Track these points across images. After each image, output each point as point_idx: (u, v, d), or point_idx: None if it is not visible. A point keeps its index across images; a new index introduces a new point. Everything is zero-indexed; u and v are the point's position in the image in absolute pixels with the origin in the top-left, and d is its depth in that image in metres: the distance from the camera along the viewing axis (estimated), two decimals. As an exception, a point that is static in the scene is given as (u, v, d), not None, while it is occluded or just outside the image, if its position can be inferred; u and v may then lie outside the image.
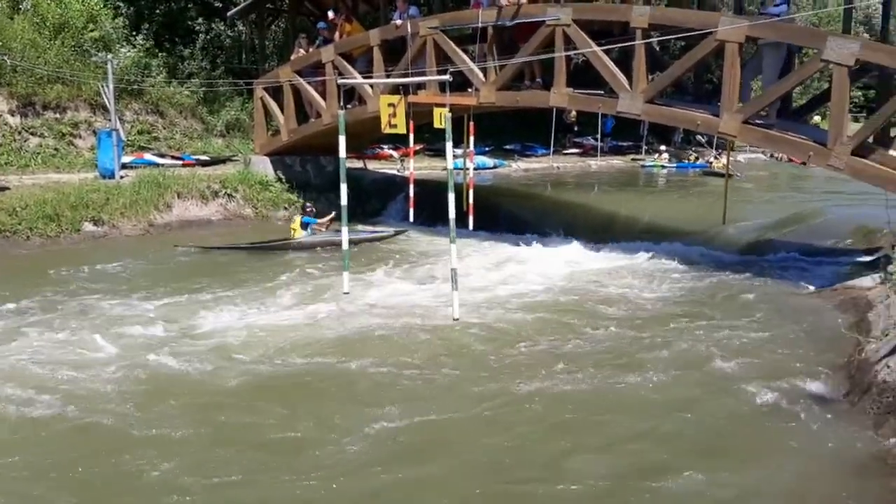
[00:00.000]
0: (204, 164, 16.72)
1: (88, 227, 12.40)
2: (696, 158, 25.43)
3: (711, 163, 24.27)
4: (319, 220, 12.66)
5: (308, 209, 12.90)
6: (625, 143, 28.23)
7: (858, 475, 4.87)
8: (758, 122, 10.17)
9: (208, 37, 21.05)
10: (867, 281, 8.91)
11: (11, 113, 15.77)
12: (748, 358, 6.84)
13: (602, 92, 11.74)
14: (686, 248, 11.78)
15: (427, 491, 4.73)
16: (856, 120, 22.47)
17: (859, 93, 34.32)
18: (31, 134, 15.83)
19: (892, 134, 10.70)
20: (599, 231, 12.51)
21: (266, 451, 5.17)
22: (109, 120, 14.83)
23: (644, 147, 27.83)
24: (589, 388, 6.23)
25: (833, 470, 4.95)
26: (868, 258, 10.26)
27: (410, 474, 4.89)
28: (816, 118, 19.82)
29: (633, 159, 26.89)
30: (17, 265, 10.52)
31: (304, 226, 12.58)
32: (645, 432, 5.46)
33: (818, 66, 9.61)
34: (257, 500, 4.60)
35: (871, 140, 9.56)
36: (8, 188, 12.75)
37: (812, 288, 9.42)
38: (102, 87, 15.00)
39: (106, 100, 14.84)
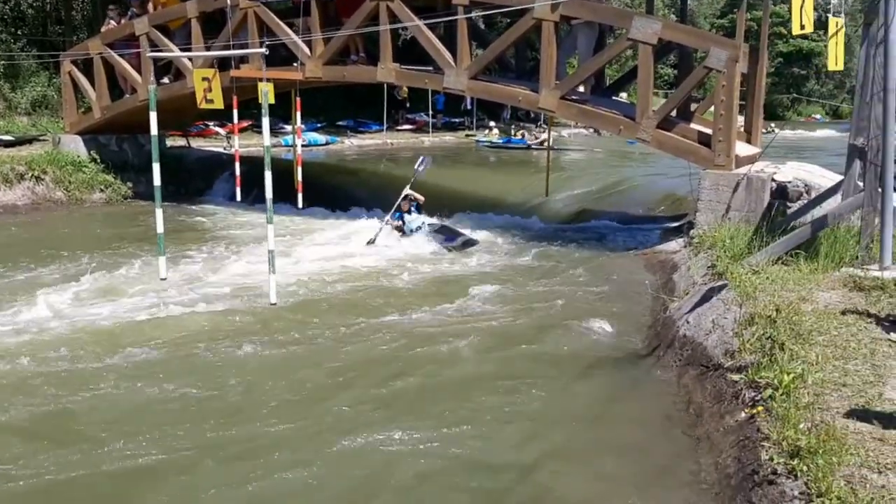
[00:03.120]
0: (7, 144, 15.33)
1: None
2: (523, 135, 26.35)
3: (529, 137, 25.20)
4: None
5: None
6: (457, 120, 28.81)
7: (665, 422, 5.25)
8: (574, 97, 10.65)
9: (7, 6, 19.23)
10: (673, 245, 9.64)
11: None
12: (562, 316, 7.22)
13: (430, 68, 11.85)
14: (510, 220, 12.24)
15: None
16: (666, 96, 24.06)
17: (669, 70, 36.76)
18: None
19: (692, 108, 11.56)
20: (430, 206, 12.64)
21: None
22: None
23: (474, 123, 28.52)
24: (406, 360, 6.26)
25: (641, 418, 5.30)
26: (675, 224, 11.09)
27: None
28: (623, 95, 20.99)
29: (466, 135, 27.47)
30: None
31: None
32: (459, 396, 5.56)
33: (626, 44, 10.18)
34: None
35: (674, 114, 10.27)
36: None
37: (625, 253, 10.05)
38: None
39: None
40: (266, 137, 6.47)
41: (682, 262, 8.51)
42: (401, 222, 11.22)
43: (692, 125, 10.31)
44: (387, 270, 9.38)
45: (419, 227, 11.05)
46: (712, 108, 9.90)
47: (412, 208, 11.31)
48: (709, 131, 9.74)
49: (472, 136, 27.44)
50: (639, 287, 8.33)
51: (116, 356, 6.20)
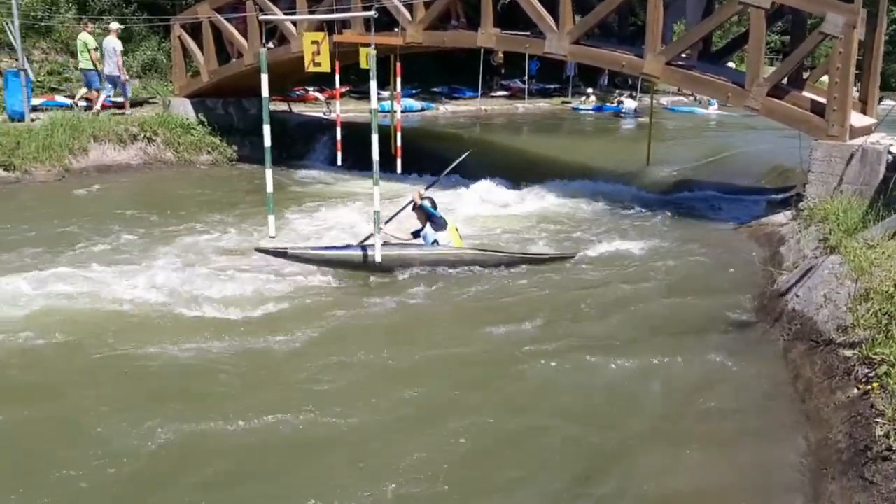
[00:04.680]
0: (120, 106, 16.04)
1: (-1, 172, 11.84)
2: (619, 102, 25.78)
3: (627, 104, 24.66)
4: None
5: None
6: (551, 86, 28.36)
7: (771, 395, 5.16)
8: (679, 63, 10.36)
9: (119, -29, 19.96)
10: (780, 217, 9.33)
11: None
12: (668, 293, 7.09)
13: (529, 33, 11.73)
14: (611, 187, 12.07)
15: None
16: (771, 63, 23.05)
17: (776, 37, 35.16)
18: (-75, 73, 14.88)
19: (804, 76, 11.08)
20: (527, 172, 12.61)
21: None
22: (16, 59, 14.04)
23: (570, 90, 28.05)
24: (511, 331, 6.26)
25: (746, 391, 5.23)
26: (782, 196, 10.72)
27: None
28: (731, 64, 20.26)
29: (562, 102, 27.08)
30: None
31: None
32: (567, 369, 5.59)
33: (736, 8, 9.81)
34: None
35: (785, 82, 9.87)
36: None
37: (730, 224, 9.80)
38: (7, 24, 14.15)
39: (11, 37, 14.01)
40: (373, 101, 6.60)
41: (789, 235, 8.25)
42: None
43: (804, 93, 9.90)
44: (485, 235, 9.42)
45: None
46: (825, 77, 9.47)
47: (431, 217, 7.97)
48: (822, 100, 9.34)
49: (567, 102, 27.03)
50: (744, 259, 8.13)
51: (239, 308, 6.51)
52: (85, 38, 14.66)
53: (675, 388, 5.25)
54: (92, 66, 14.60)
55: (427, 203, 7.86)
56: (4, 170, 11.93)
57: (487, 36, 11.45)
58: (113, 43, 14.58)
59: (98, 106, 14.62)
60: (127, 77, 15.25)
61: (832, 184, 8.83)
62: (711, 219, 10.18)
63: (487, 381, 5.36)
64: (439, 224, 7.87)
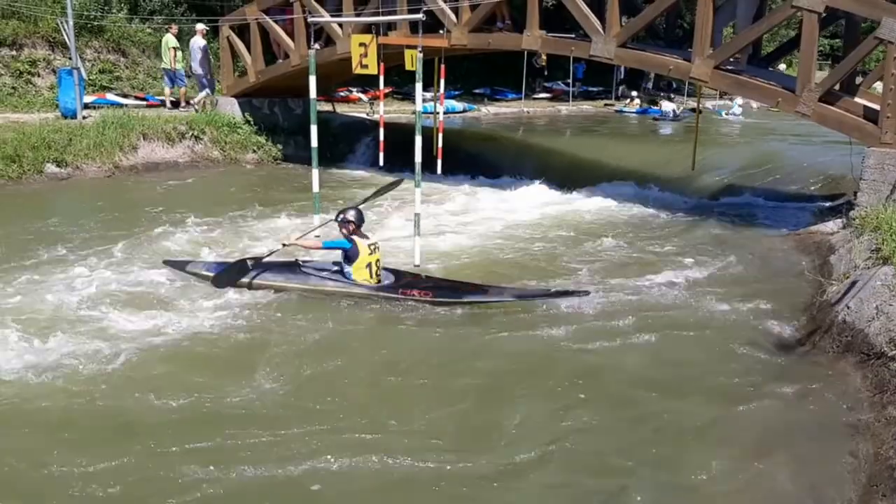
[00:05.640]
0: (175, 104, 16.34)
1: (51, 168, 12.10)
2: (662, 105, 25.50)
3: (670, 108, 24.37)
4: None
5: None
6: (594, 89, 28.21)
7: (819, 407, 5.06)
8: (728, 67, 10.22)
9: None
10: (830, 225, 9.14)
11: (-36, 49, 15.24)
12: (714, 300, 6.98)
13: (573, 36, 11.67)
14: (658, 194, 11.95)
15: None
16: (820, 68, 22.62)
17: (826, 41, 34.47)
18: (-14, 71, 15.34)
19: (857, 82, 10.83)
20: (570, 176, 12.54)
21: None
22: (69, 58, 14.37)
23: (614, 93, 27.87)
24: (547, 334, 6.22)
25: (794, 402, 5.13)
26: (830, 203, 10.50)
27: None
28: (781, 66, 19.93)
29: (605, 104, 26.90)
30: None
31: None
32: (614, 371, 5.58)
33: (789, 12, 9.63)
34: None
35: (837, 88, 9.67)
36: (-36, 128, 12.40)
37: (777, 232, 9.62)
38: (61, 23, 14.49)
39: (65, 36, 14.34)
40: (418, 102, 6.63)
41: (840, 245, 8.07)
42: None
43: (857, 99, 9.68)
44: (526, 238, 9.39)
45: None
46: (879, 83, 9.24)
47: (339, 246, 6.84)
48: (876, 107, 9.11)
49: (610, 105, 26.84)
50: (792, 268, 7.99)
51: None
52: (168, 38, 15.45)
53: (720, 399, 5.18)
54: (173, 66, 15.48)
55: (343, 218, 6.74)
56: (57, 166, 12.22)
57: (533, 38, 11.41)
58: (199, 42, 15.46)
59: (197, 105, 15.62)
60: (209, 75, 15.95)
61: (885, 192, 8.61)
62: (758, 226, 10.01)
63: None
64: (350, 253, 6.72)
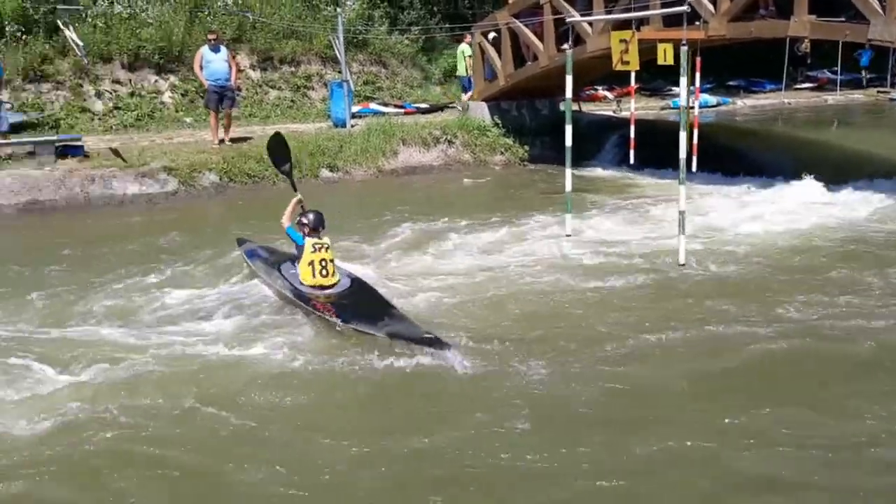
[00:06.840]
0: (424, 111, 17.35)
1: (325, 173, 13.38)
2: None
3: None
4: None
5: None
6: (865, 76, 25.60)
7: None
8: None
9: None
10: None
11: (253, 67, 17.30)
12: None
13: (843, 19, 10.66)
14: None
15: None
16: None
17: None
18: (270, 87, 17.30)
19: None
20: (842, 171, 11.46)
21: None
22: (340, 72, 15.73)
23: (889, 79, 25.12)
24: (837, 349, 5.66)
25: None
26: None
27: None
28: None
29: (878, 92, 24.33)
30: (268, 208, 11.50)
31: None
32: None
33: None
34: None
35: None
36: (251, 138, 14.01)
37: None
38: (333, 39, 15.90)
39: (337, 52, 15.72)
40: (682, 98, 6.47)
41: None
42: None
43: None
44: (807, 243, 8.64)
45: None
46: None
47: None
48: None
49: (884, 93, 24.18)
50: None
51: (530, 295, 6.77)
52: (463, 47, 16.82)
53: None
54: (469, 73, 16.70)
55: (300, 220, 6.79)
56: (330, 170, 13.47)
57: (801, 24, 10.61)
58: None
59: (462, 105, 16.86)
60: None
61: None
62: None
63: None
64: (298, 250, 6.72)
